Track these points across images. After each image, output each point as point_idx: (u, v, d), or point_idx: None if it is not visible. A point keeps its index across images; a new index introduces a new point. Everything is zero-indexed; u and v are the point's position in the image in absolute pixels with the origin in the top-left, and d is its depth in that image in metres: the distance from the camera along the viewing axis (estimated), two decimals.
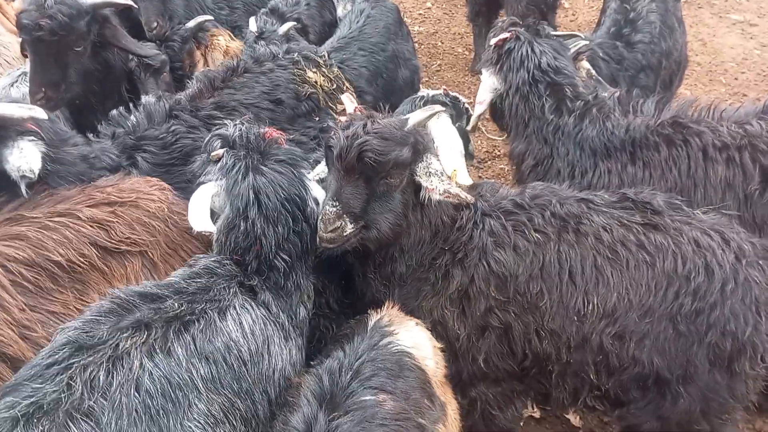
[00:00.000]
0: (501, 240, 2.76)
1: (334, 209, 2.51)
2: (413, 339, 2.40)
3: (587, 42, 4.04)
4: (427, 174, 2.65)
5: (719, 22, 7.77)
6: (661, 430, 2.79)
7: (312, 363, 2.37)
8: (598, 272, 2.67)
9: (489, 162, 5.80)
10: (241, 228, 2.47)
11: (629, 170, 3.40)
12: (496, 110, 3.83)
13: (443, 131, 2.95)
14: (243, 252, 2.50)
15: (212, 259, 2.51)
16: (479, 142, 5.96)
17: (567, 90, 3.55)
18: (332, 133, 2.65)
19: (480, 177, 5.58)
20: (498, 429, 3.03)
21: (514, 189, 3.06)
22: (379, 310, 2.51)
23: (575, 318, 2.68)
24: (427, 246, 2.78)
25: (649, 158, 3.37)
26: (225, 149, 2.60)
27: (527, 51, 3.59)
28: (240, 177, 2.49)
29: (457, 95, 4.06)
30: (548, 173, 3.60)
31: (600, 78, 3.92)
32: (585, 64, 3.89)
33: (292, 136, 3.16)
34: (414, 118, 2.72)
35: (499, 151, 5.82)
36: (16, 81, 4.07)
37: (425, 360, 2.38)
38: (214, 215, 2.54)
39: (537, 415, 3.75)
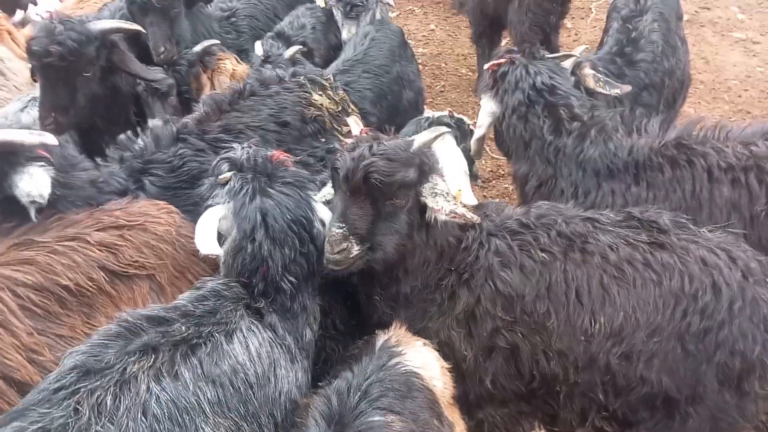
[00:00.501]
0: (507, 260, 2.76)
1: (341, 231, 2.52)
2: (421, 359, 2.39)
3: (586, 50, 4.04)
4: (433, 194, 2.66)
5: (722, 41, 7.81)
6: None
7: (320, 384, 2.36)
8: (604, 291, 2.67)
9: (494, 181, 5.82)
10: (248, 250, 2.48)
11: (633, 191, 3.40)
12: (497, 135, 3.84)
13: (448, 152, 2.96)
14: (250, 274, 2.50)
15: (219, 281, 2.52)
16: (484, 161, 5.96)
17: (562, 111, 3.56)
18: (338, 155, 2.67)
19: (485, 197, 5.58)
20: None
21: (519, 209, 3.07)
22: (386, 330, 2.51)
23: (582, 338, 2.67)
24: (432, 267, 2.78)
25: (653, 179, 3.37)
26: (232, 172, 2.62)
27: (522, 73, 3.61)
28: (247, 199, 2.51)
29: (462, 117, 4.08)
30: (552, 193, 3.59)
31: (608, 79, 3.91)
32: (588, 71, 3.90)
33: (298, 158, 3.18)
34: (419, 139, 2.73)
35: (503, 170, 5.83)
36: (27, 106, 4.12)
37: (433, 380, 2.37)
38: (221, 238, 2.55)
39: None
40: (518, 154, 3.74)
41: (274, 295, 2.51)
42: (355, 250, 2.54)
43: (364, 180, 2.53)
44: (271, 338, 2.44)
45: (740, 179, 3.24)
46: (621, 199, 3.42)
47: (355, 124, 3.12)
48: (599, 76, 3.89)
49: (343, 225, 2.53)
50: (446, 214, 2.63)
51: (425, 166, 2.68)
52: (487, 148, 5.88)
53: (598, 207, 3.39)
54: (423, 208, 2.69)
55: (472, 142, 3.91)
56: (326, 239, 2.55)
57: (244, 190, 2.53)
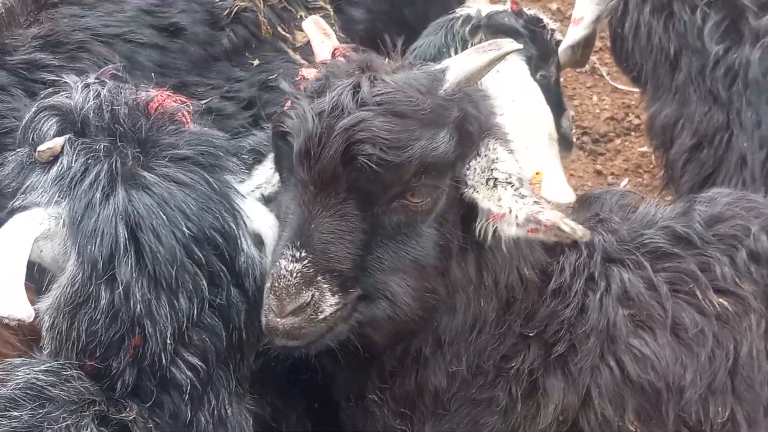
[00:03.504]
0: (645, 313, 2.82)
1: (299, 265, 2.51)
2: None
3: None
4: (490, 183, 2.68)
5: None
6: None
7: None
8: None
9: (617, 140, 5.87)
10: (102, 302, 2.50)
11: None
12: (617, 42, 3.95)
13: (515, 92, 2.95)
14: (106, 352, 2.54)
15: (42, 367, 2.54)
16: (595, 98, 6.04)
17: None
18: (289, 103, 2.67)
19: (598, 173, 5.67)
20: None
21: (670, 204, 3.15)
22: None
23: None
24: (490, 331, 2.82)
25: None
26: (66, 137, 2.63)
27: None
28: (98, 196, 2.52)
29: (539, 14, 4.12)
30: (722, 164, 3.70)
31: None
32: None
33: (203, 102, 3.24)
34: (457, 66, 2.73)
35: (635, 116, 5.89)
36: None
37: None
38: (44, 276, 2.59)
39: None
40: (656, 81, 3.86)
41: (158, 396, 2.56)
42: (330, 304, 2.54)
43: (345, 160, 2.51)
44: None
45: None
46: None
47: (319, 31, 3.10)
48: None
49: (303, 252, 2.52)
50: (520, 224, 2.63)
51: (471, 125, 2.70)
52: (604, 73, 5.92)
53: None
54: (470, 211, 2.72)
55: (561, 51, 4.01)
56: (268, 282, 2.56)
57: (92, 176, 2.54)
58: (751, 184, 3.46)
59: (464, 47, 3.60)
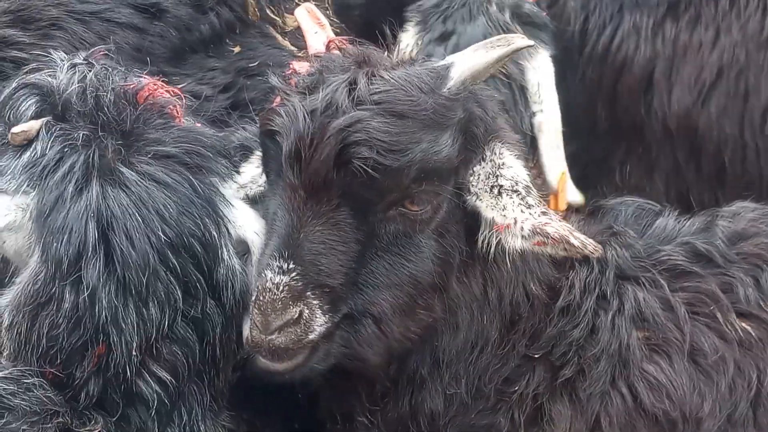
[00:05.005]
0: (661, 336, 2.76)
1: (286, 278, 2.45)
2: None
3: None
4: (495, 191, 2.63)
5: None
6: None
7: None
8: None
9: None
10: (65, 304, 2.44)
11: (668, 30, 3.80)
12: None
13: (548, 90, 2.90)
14: (68, 359, 2.48)
15: (0, 374, 2.46)
16: None
17: None
18: (278, 99, 2.62)
19: None
20: None
21: (693, 217, 3.07)
22: None
23: None
24: (492, 351, 2.77)
25: (699, 12, 3.79)
26: (44, 121, 2.57)
27: None
28: (70, 189, 2.46)
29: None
30: (561, 18, 3.96)
31: None
32: None
33: (182, 85, 3.12)
34: (462, 64, 2.68)
35: None
36: None
37: None
38: (7, 268, 2.58)
39: None
40: None
41: (123, 410, 2.51)
42: (320, 323, 2.48)
43: (338, 163, 2.46)
44: None
45: None
46: (648, 45, 3.80)
47: (312, 21, 3.05)
48: None
49: (292, 264, 2.46)
50: (526, 236, 2.58)
51: (476, 126, 2.65)
52: None
53: (614, 55, 3.79)
54: (473, 221, 2.67)
55: None
56: (253, 295, 2.49)
57: (66, 168, 2.47)
58: (573, 38, 3.99)
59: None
